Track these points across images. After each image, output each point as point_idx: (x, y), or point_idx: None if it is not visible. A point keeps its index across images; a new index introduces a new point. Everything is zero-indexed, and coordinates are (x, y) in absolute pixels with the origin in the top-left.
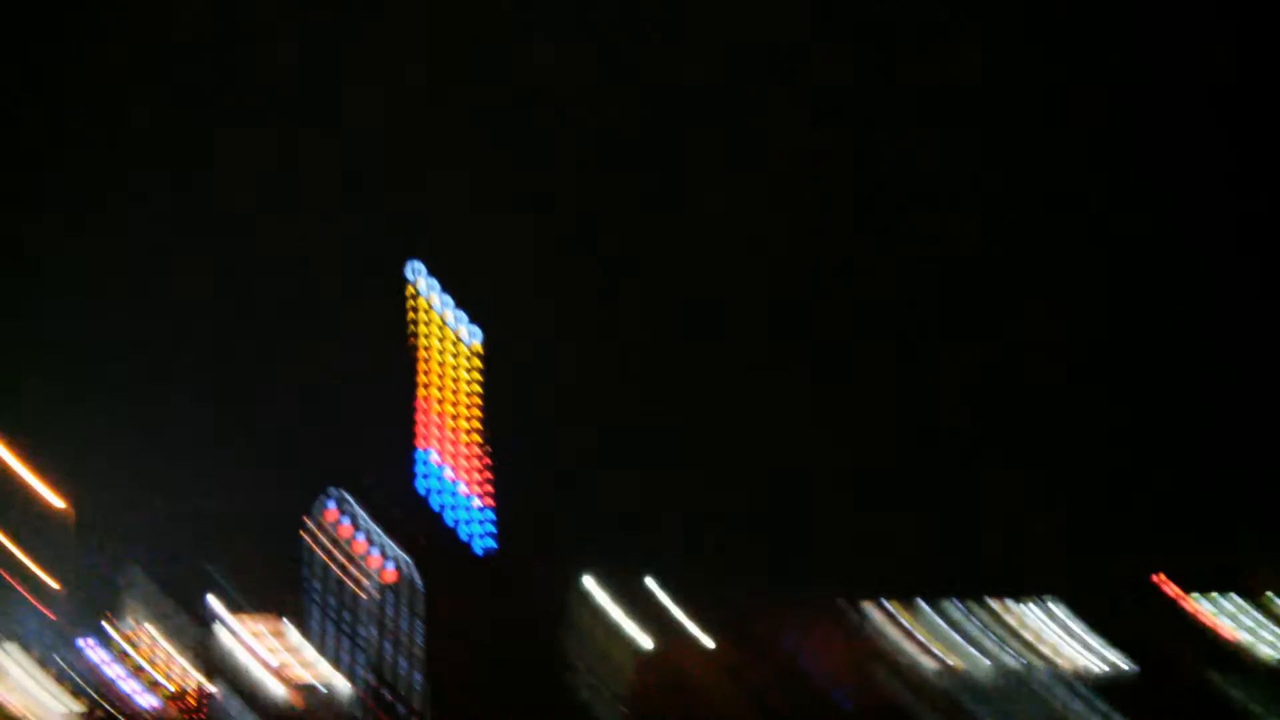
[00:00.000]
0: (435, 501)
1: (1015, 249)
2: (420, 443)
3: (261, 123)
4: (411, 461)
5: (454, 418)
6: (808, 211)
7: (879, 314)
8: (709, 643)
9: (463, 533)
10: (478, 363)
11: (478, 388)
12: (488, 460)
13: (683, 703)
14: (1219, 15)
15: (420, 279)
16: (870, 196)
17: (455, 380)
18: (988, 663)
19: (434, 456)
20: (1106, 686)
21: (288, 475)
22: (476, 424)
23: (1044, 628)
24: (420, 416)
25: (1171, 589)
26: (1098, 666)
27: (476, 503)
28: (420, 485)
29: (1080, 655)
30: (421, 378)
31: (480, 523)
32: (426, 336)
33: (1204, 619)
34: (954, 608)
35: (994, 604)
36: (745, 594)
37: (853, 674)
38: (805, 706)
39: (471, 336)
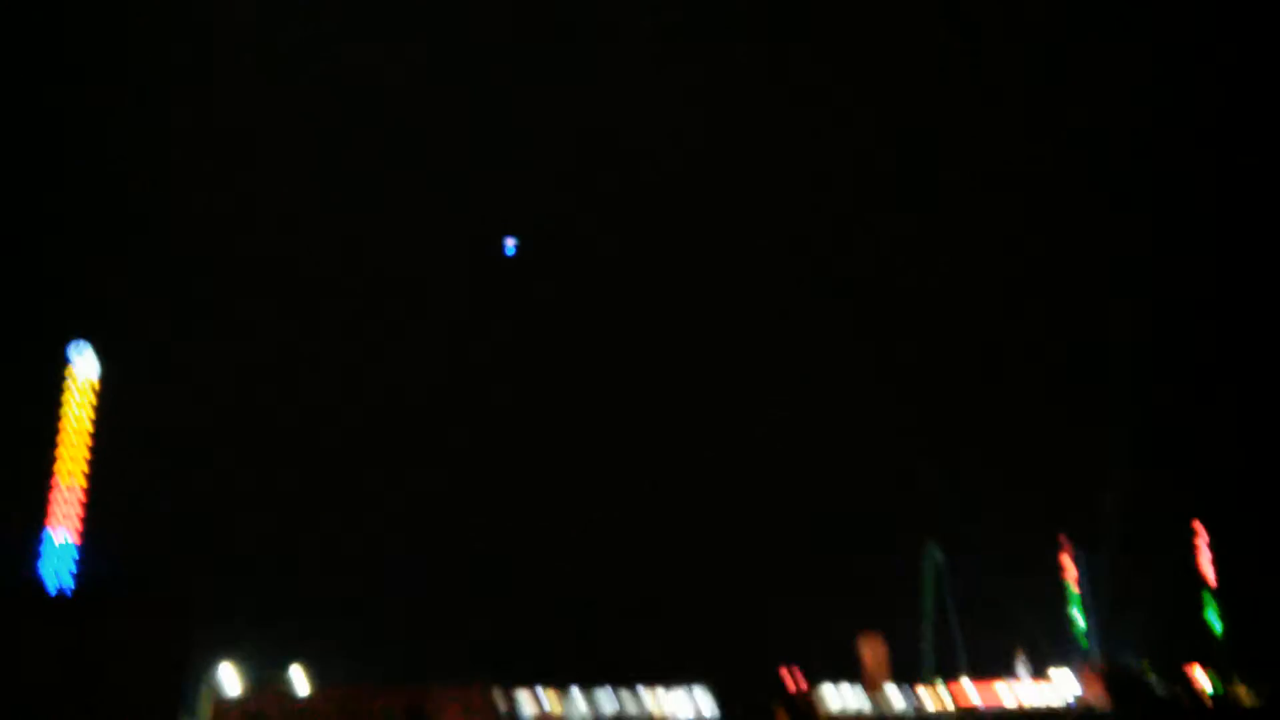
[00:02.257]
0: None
1: None
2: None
3: None
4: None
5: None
6: None
7: None
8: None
9: (43, 570)
10: (92, 398)
11: (88, 424)
12: (84, 498)
13: None
14: None
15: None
16: None
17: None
18: None
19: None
20: None
21: None
22: (83, 463)
23: (679, 710)
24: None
25: (798, 678)
26: None
27: (63, 539)
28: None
29: None
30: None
31: (60, 559)
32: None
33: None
34: (605, 694)
35: (643, 690)
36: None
37: None
38: None
39: (89, 369)
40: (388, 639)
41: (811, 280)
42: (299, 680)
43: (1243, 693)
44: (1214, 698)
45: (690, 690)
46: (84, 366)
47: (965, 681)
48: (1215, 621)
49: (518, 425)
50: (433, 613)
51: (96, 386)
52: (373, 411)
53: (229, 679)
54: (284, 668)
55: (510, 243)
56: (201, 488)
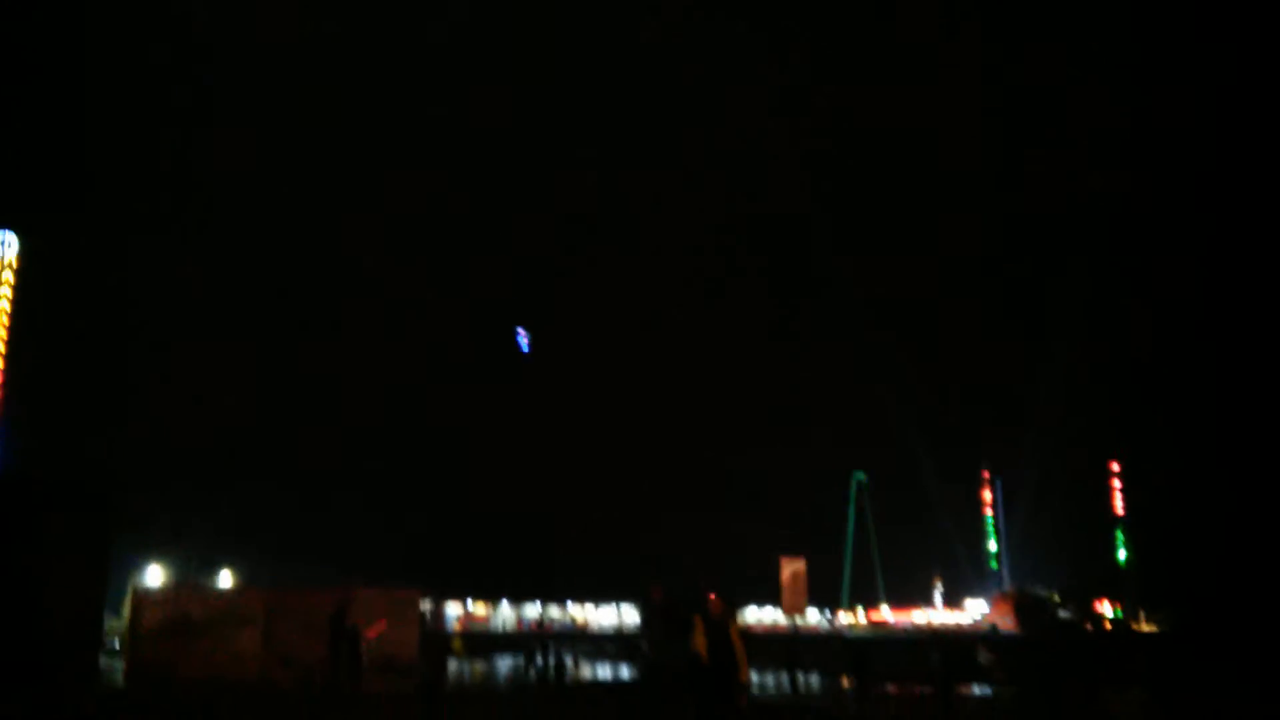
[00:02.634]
0: None
1: None
2: None
3: None
4: None
5: None
6: None
7: None
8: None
9: None
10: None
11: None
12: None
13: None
14: None
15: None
16: None
17: None
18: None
19: None
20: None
21: None
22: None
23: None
24: None
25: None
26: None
27: None
28: None
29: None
30: None
31: None
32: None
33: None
34: (533, 606)
35: (572, 604)
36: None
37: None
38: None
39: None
40: (318, 547)
41: (746, 212)
42: (227, 583)
43: (1143, 621)
44: (1114, 623)
45: (618, 606)
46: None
47: (884, 608)
48: (1121, 554)
49: (461, 342)
50: (365, 523)
51: (14, 265)
52: (316, 299)
53: (155, 580)
54: (213, 570)
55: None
56: (127, 380)
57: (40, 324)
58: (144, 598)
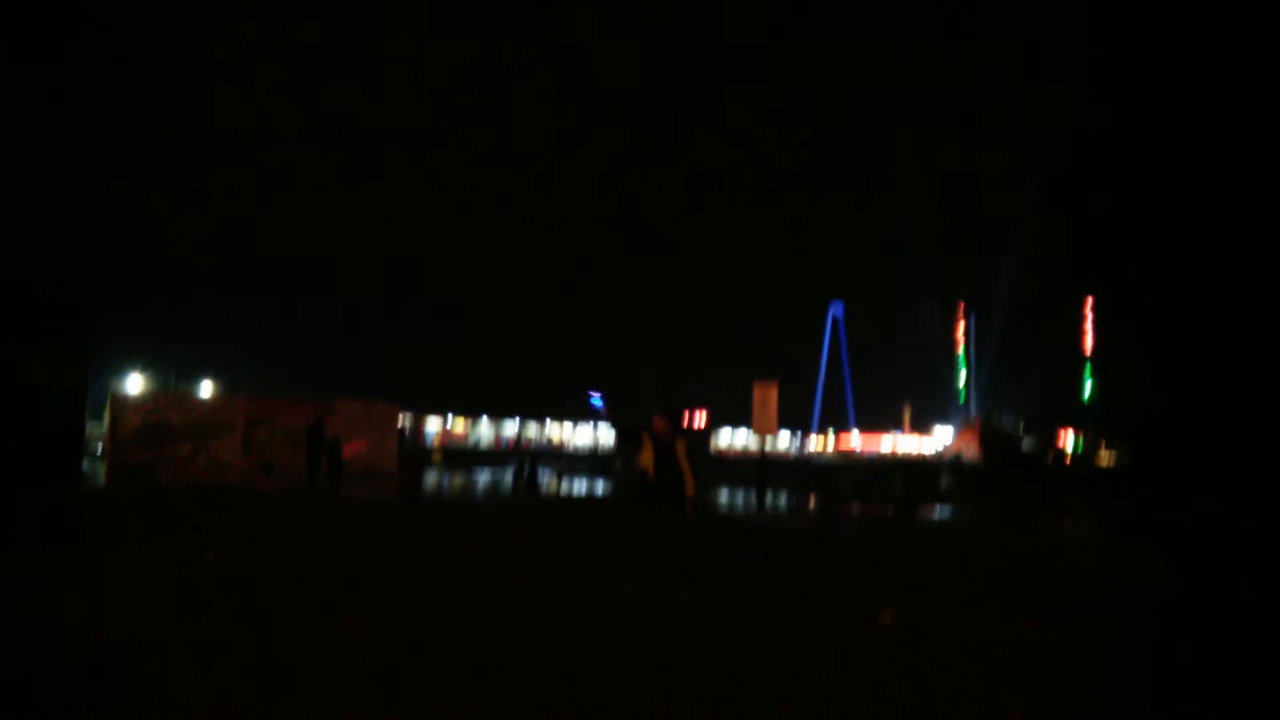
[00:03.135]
0: None
1: None
2: None
3: None
4: None
5: None
6: None
7: None
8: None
9: None
10: None
11: None
12: None
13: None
14: None
15: None
16: None
17: None
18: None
19: None
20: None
21: None
22: None
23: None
24: None
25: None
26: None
27: None
28: None
29: None
30: None
31: None
32: None
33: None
34: (512, 423)
35: (551, 421)
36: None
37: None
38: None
39: None
40: (299, 361)
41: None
42: (207, 394)
43: (1103, 454)
44: (1074, 456)
45: (595, 426)
46: None
47: (853, 435)
48: (1087, 389)
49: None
50: (346, 341)
51: None
52: (298, 112)
53: (135, 389)
54: (192, 381)
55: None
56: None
57: (19, 132)
58: (124, 404)
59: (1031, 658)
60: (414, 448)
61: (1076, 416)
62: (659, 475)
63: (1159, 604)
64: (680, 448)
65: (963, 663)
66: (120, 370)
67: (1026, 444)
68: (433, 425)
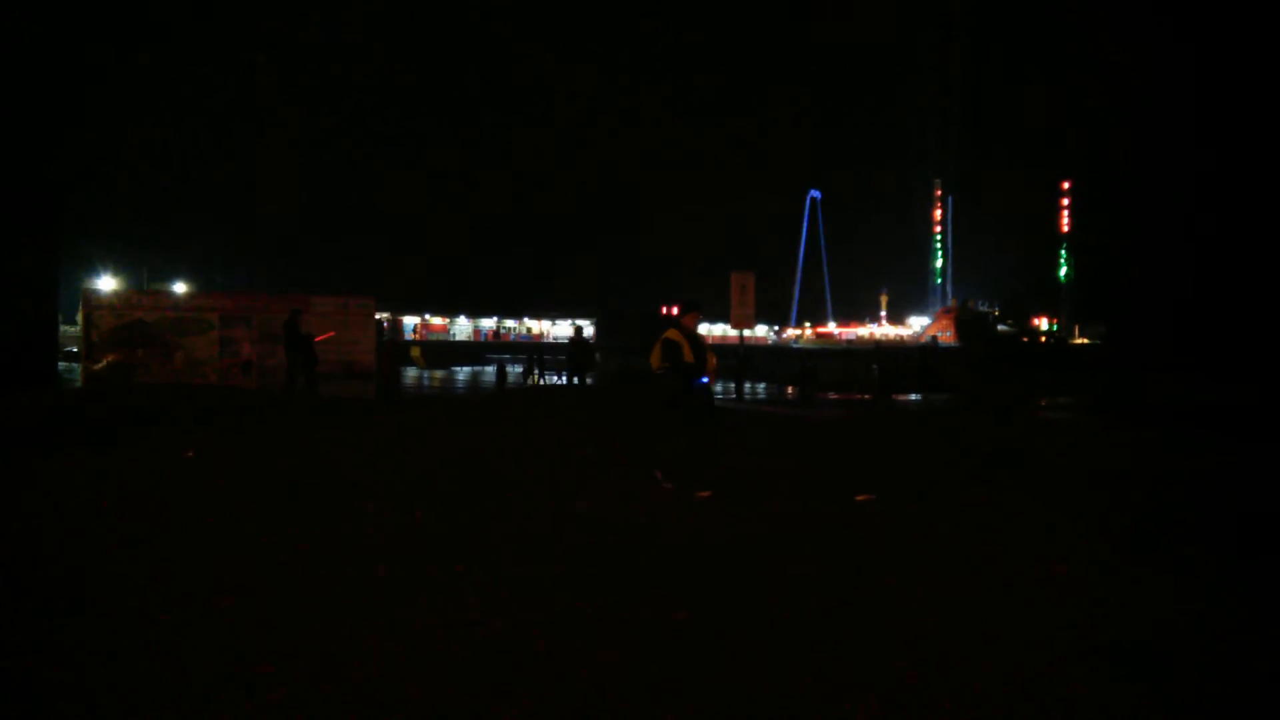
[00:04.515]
0: None
1: None
2: None
3: None
4: None
5: None
6: None
7: None
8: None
9: None
10: None
11: None
12: None
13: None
14: None
15: None
16: None
17: None
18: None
19: None
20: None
21: None
22: None
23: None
24: None
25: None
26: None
27: None
28: None
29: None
30: None
31: None
32: None
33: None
34: (488, 321)
35: (530, 319)
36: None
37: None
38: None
39: None
40: (275, 257)
41: None
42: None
43: (1078, 334)
44: (1049, 335)
45: (574, 322)
46: None
47: (831, 323)
48: (1063, 271)
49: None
50: (318, 236)
51: None
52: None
53: (108, 287)
54: (166, 280)
55: None
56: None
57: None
58: (97, 302)
59: (1002, 524)
60: (393, 343)
61: (1052, 299)
62: (698, 366)
63: (1117, 475)
64: (702, 340)
65: (940, 534)
66: (92, 269)
67: (1002, 326)
68: (410, 320)
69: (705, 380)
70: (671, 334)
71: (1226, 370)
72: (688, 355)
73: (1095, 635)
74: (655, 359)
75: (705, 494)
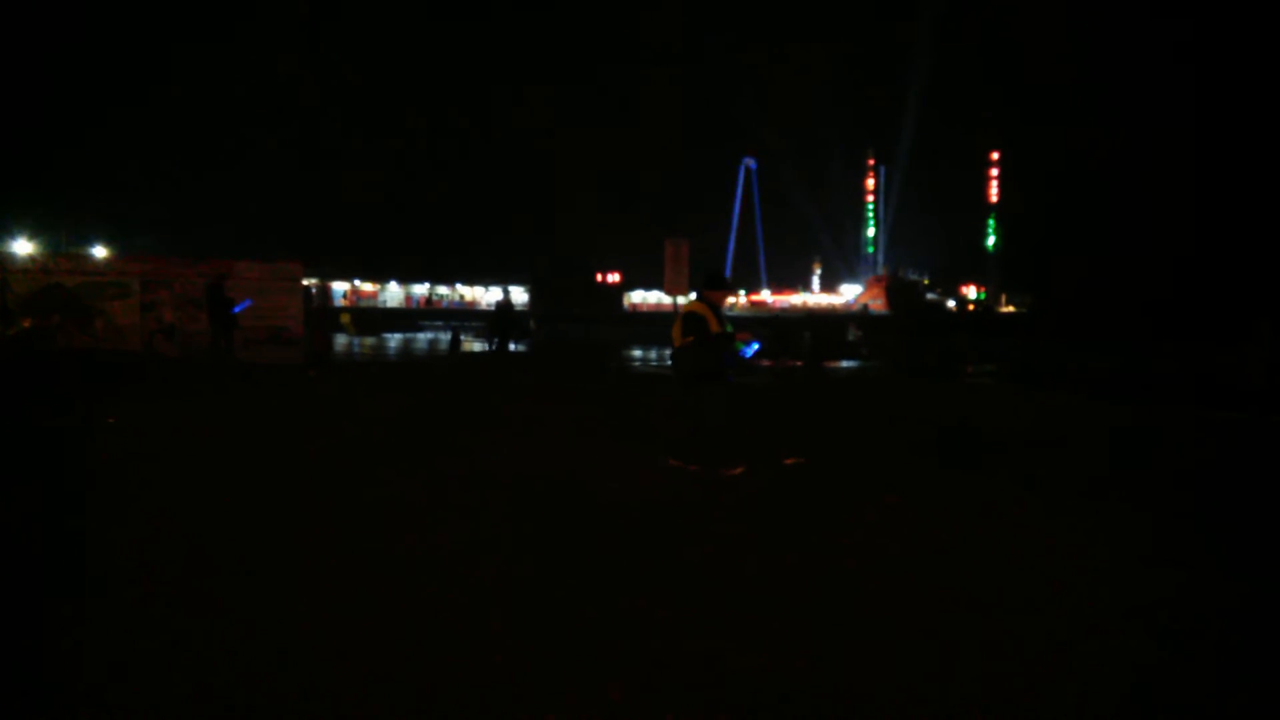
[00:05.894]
0: None
1: None
2: None
3: None
4: None
5: None
6: None
7: None
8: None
9: None
10: None
11: None
12: None
13: None
14: None
15: None
16: None
17: None
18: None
19: None
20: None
21: None
22: None
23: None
24: None
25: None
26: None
27: None
28: None
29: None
30: None
31: None
32: None
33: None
34: (419, 287)
35: (463, 288)
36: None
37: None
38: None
39: None
40: (200, 220)
41: None
42: (101, 255)
43: (1004, 303)
44: (976, 304)
45: (505, 287)
46: None
47: (765, 291)
48: (990, 241)
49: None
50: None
51: None
52: None
53: (23, 251)
54: (85, 244)
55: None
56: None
57: None
58: (12, 266)
59: (917, 485)
60: (322, 309)
61: (980, 267)
62: (728, 337)
63: (1023, 436)
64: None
65: (860, 496)
66: (7, 231)
67: (931, 295)
68: (340, 286)
69: (749, 351)
70: (696, 306)
71: (1135, 340)
72: (714, 326)
73: (968, 571)
74: (677, 334)
75: (738, 470)
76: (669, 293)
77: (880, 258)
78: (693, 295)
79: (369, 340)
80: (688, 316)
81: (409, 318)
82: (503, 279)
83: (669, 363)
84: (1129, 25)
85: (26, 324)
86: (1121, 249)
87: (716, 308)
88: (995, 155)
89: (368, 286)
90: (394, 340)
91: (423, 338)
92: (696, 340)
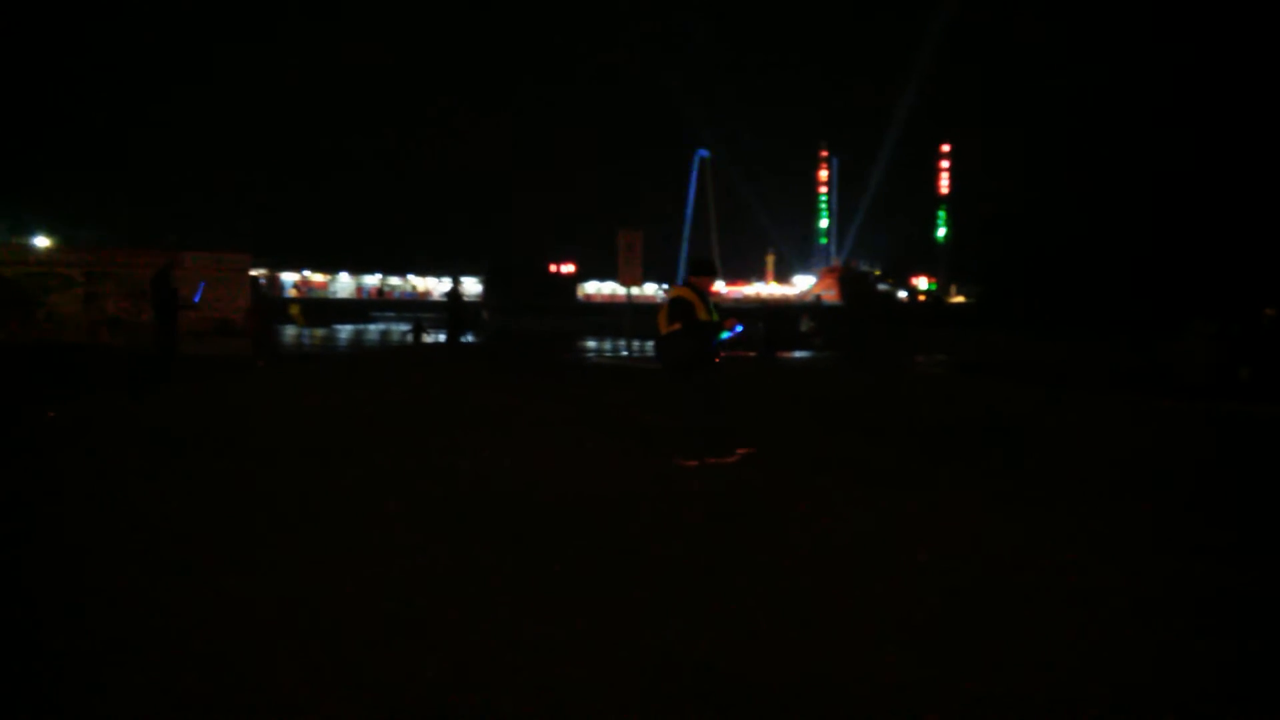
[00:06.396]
0: None
1: None
2: None
3: None
4: None
5: None
6: None
7: None
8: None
9: None
10: None
11: None
12: None
13: None
14: None
15: None
16: None
17: None
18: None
19: None
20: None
21: None
22: None
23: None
24: None
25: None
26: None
27: None
28: None
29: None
30: None
31: None
32: None
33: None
34: (371, 278)
35: (415, 279)
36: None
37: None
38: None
39: None
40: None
41: None
42: (43, 245)
43: (954, 293)
44: (927, 294)
45: (454, 278)
46: None
47: (718, 282)
48: (941, 232)
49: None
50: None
51: None
52: None
53: None
54: (26, 233)
55: None
56: None
57: None
58: None
59: (867, 471)
60: (270, 300)
61: (930, 258)
62: (715, 325)
63: (969, 422)
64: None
65: (808, 481)
66: None
67: (883, 285)
68: (289, 277)
69: (729, 334)
70: (682, 292)
71: (1083, 332)
72: (701, 313)
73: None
74: (662, 321)
75: (743, 451)
76: (623, 283)
77: (833, 249)
78: (654, 284)
79: (319, 331)
80: (675, 302)
81: (361, 309)
82: (455, 270)
83: (652, 354)
84: (1091, 18)
85: None
86: (1074, 242)
87: (704, 294)
88: (946, 148)
89: (318, 277)
90: (345, 331)
91: (373, 329)
92: (684, 327)
